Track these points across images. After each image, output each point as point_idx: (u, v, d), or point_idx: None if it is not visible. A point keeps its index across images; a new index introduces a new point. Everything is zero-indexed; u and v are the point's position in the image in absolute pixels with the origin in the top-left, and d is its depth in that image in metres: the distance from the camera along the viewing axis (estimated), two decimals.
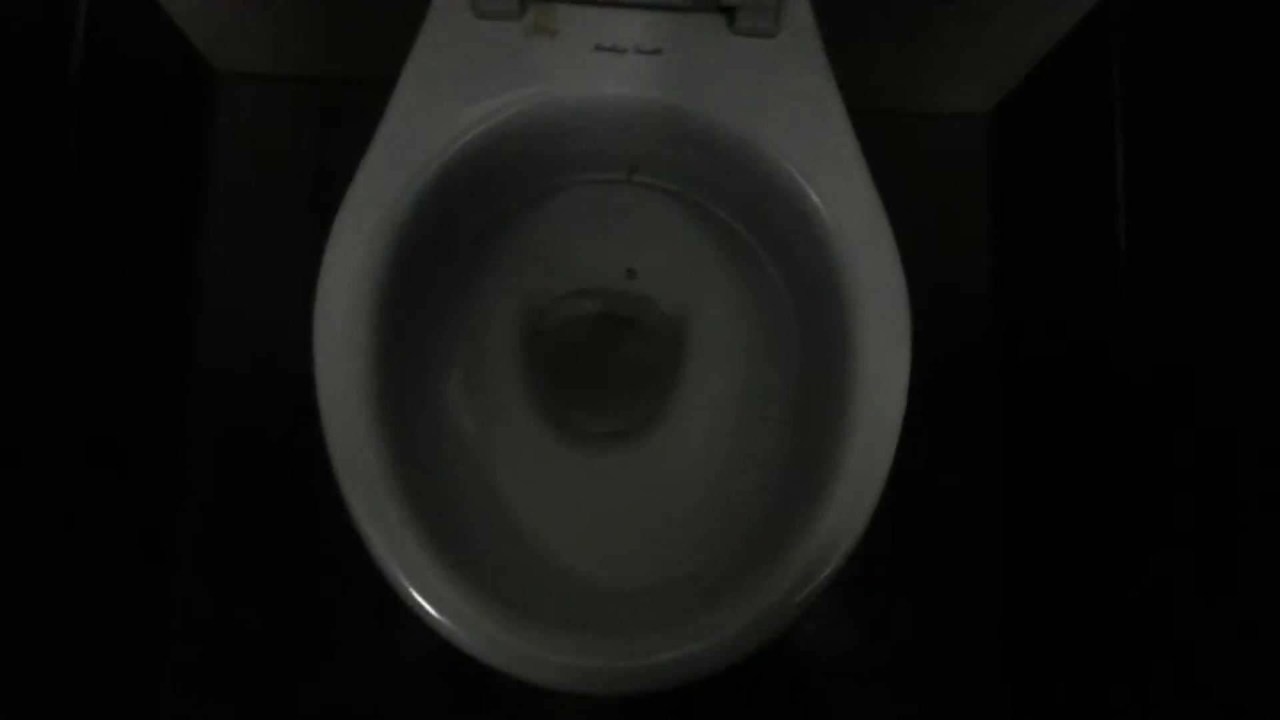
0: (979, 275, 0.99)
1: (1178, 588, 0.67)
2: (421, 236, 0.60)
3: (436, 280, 0.67)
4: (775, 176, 0.61)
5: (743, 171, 0.63)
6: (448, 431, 0.67)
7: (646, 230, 0.72)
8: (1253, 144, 0.62)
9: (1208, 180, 0.66)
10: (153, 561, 0.88)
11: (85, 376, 0.73)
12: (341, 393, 0.55)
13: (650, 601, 0.60)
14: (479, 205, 0.67)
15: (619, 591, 0.63)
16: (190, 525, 0.91)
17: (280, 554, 0.92)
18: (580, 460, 0.68)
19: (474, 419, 0.68)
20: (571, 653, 0.52)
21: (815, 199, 0.60)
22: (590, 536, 0.65)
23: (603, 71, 0.61)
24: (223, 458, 0.93)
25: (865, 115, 0.64)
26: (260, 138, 0.97)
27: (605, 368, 0.74)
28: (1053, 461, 0.86)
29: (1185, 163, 0.68)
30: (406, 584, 0.53)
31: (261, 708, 0.91)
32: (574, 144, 0.65)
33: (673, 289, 0.72)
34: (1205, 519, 0.64)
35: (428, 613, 0.52)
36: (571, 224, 0.71)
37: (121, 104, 0.78)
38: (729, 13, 0.62)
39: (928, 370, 0.61)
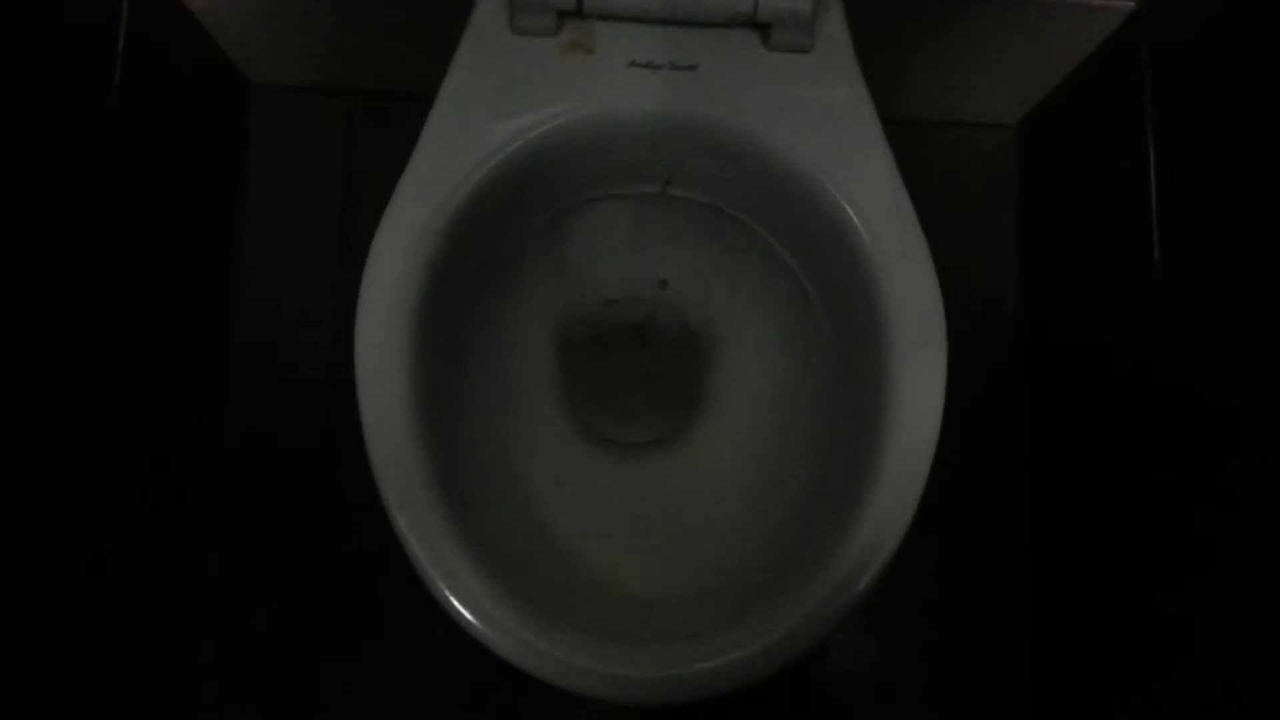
0: (1009, 285, 0.99)
1: (1207, 603, 0.67)
2: (460, 250, 0.61)
3: (475, 291, 0.67)
4: (810, 190, 0.61)
5: (777, 185, 0.63)
6: (485, 441, 0.67)
7: (680, 243, 0.72)
8: None
9: (1242, 192, 0.66)
10: (184, 568, 0.90)
11: (118, 382, 0.74)
12: (384, 406, 0.56)
13: (687, 611, 0.61)
14: (515, 219, 0.68)
15: (655, 600, 0.63)
16: (218, 531, 0.92)
17: (307, 559, 0.93)
18: (615, 469, 0.69)
19: (510, 428, 0.69)
20: (611, 662, 0.52)
21: (850, 213, 0.60)
22: (626, 545, 0.66)
23: (638, 87, 0.62)
24: (251, 463, 0.94)
25: (896, 125, 0.64)
26: (294, 148, 0.98)
27: (637, 377, 0.75)
28: (1081, 472, 0.86)
29: (1219, 175, 0.68)
30: (447, 592, 0.53)
31: (288, 713, 0.92)
32: (610, 158, 0.66)
33: (705, 301, 0.72)
34: (1235, 533, 0.64)
35: (469, 622, 0.53)
36: (606, 236, 0.72)
37: (159, 115, 0.79)
38: (764, 29, 0.63)
39: (957, 380, 0.61)
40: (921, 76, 0.92)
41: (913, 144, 0.99)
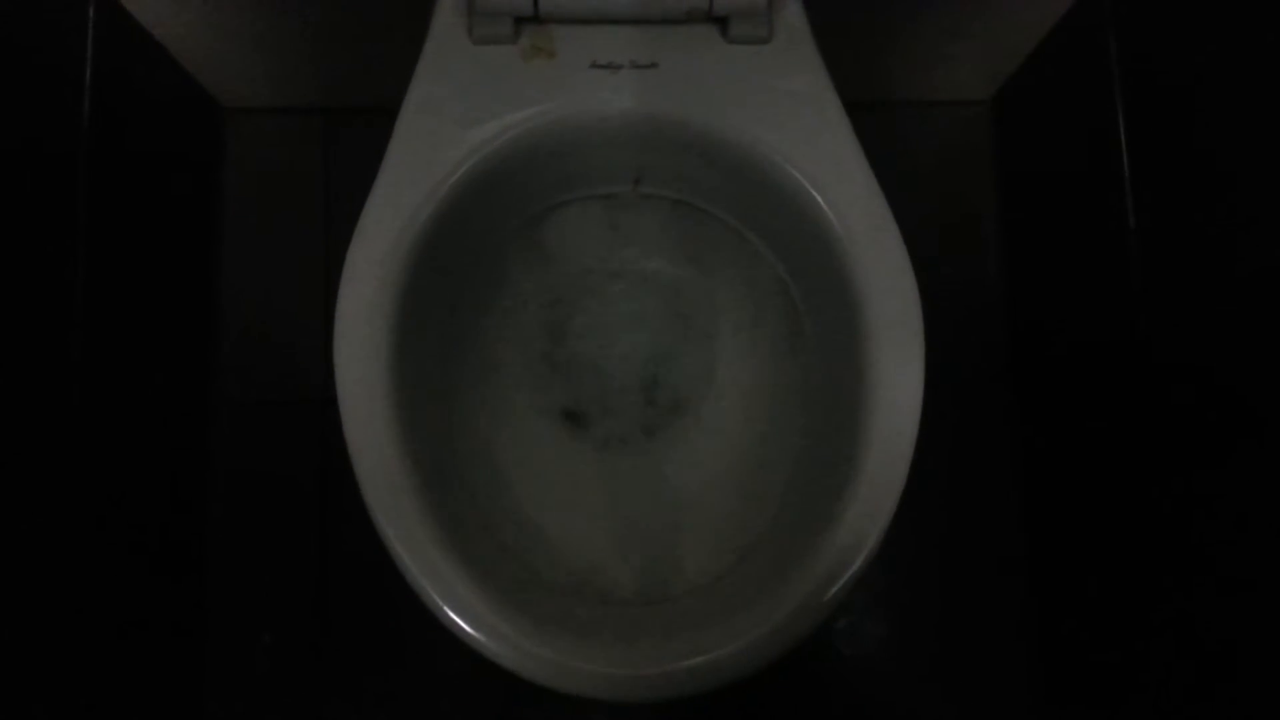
0: (989, 259, 0.99)
1: (1197, 569, 0.67)
2: (433, 260, 0.61)
3: (450, 299, 0.68)
4: (777, 180, 0.61)
5: (745, 177, 0.63)
6: (471, 447, 0.67)
7: (654, 240, 0.72)
8: (1252, 115, 0.62)
9: (1213, 152, 0.66)
10: (185, 594, 0.90)
11: (107, 413, 0.75)
12: (365, 420, 0.56)
13: (681, 607, 0.61)
14: (487, 226, 0.68)
15: (647, 597, 0.63)
16: (218, 555, 0.93)
17: (309, 577, 0.93)
18: (602, 469, 0.69)
19: (494, 432, 0.69)
20: (604, 661, 0.53)
21: (819, 199, 0.60)
22: (616, 544, 0.66)
23: (601, 88, 0.62)
24: (249, 485, 0.95)
25: (868, 108, 0.64)
26: (270, 170, 0.99)
27: (621, 371, 0.75)
28: (1074, 442, 0.86)
29: (1188, 137, 0.68)
30: (440, 601, 0.54)
31: None
32: (578, 160, 0.66)
33: (683, 297, 0.72)
34: (1227, 490, 0.64)
35: (462, 629, 0.53)
36: (580, 238, 0.72)
37: (133, 145, 0.79)
38: (721, 22, 0.63)
39: (946, 359, 0.61)
40: (891, 57, 0.92)
41: (887, 125, 1.00)
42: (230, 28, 0.83)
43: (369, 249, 0.59)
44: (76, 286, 0.71)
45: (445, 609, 0.54)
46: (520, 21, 0.62)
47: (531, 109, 0.62)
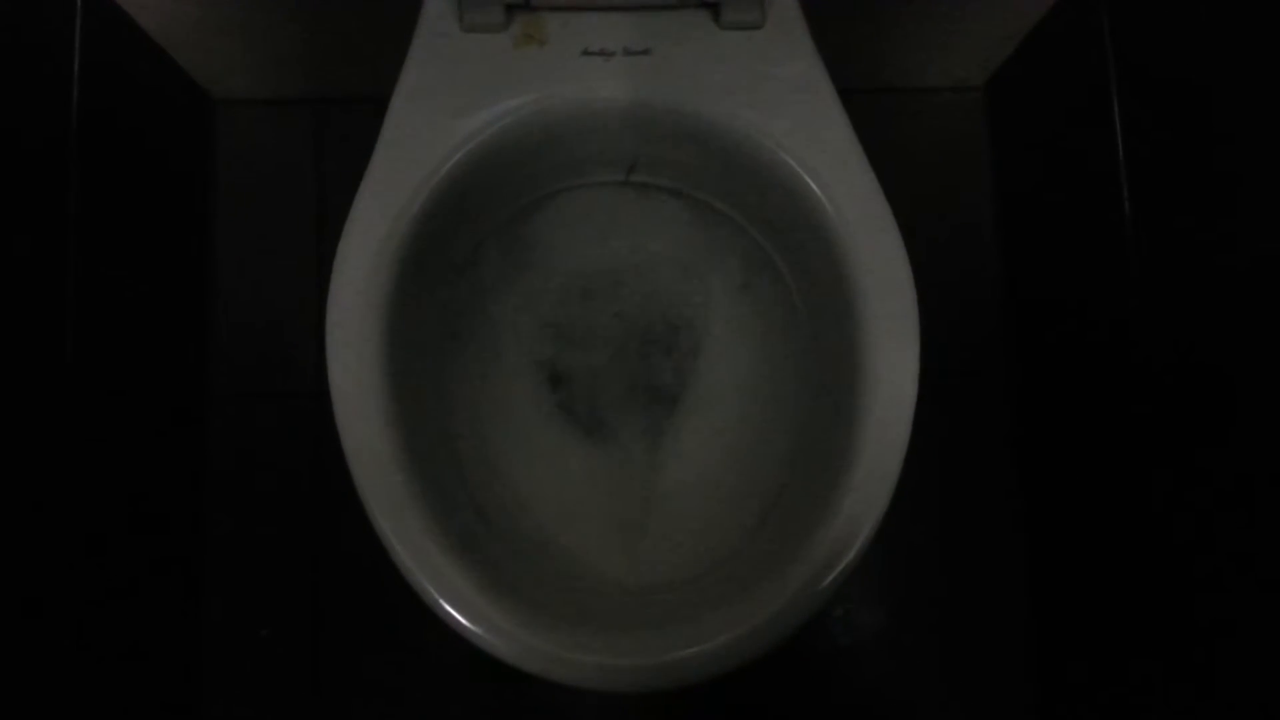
0: (984, 246, 0.99)
1: (1196, 555, 0.67)
2: (426, 250, 0.61)
3: (444, 290, 0.67)
4: (772, 167, 0.61)
5: (739, 164, 0.63)
6: (463, 438, 0.67)
7: (649, 229, 0.72)
8: (1249, 96, 0.62)
9: (1208, 138, 0.65)
10: (182, 588, 0.90)
11: (100, 407, 0.74)
12: (358, 412, 0.56)
13: (677, 597, 0.61)
14: (480, 215, 0.68)
15: (645, 588, 0.63)
16: (215, 548, 0.93)
17: (306, 570, 0.93)
18: (597, 460, 0.69)
19: (488, 423, 0.69)
20: (603, 652, 0.52)
21: (813, 185, 0.60)
22: (611, 535, 0.66)
23: (593, 75, 0.62)
24: (243, 479, 0.94)
25: (864, 94, 0.64)
26: (261, 162, 0.98)
27: (617, 365, 0.75)
28: (1068, 430, 0.86)
29: (1184, 121, 0.68)
30: (435, 595, 0.54)
31: None
32: (571, 149, 0.66)
33: (679, 286, 0.72)
34: (1217, 481, 0.64)
35: (458, 621, 0.53)
36: (574, 227, 0.72)
37: (122, 136, 0.79)
38: (714, 7, 0.62)
39: (938, 346, 0.61)
40: (883, 42, 0.91)
41: (882, 111, 0.99)
42: (219, 18, 0.82)
43: (361, 240, 0.59)
44: (68, 279, 0.70)
45: (441, 602, 0.54)
46: (511, 8, 0.62)
47: (523, 97, 0.61)
